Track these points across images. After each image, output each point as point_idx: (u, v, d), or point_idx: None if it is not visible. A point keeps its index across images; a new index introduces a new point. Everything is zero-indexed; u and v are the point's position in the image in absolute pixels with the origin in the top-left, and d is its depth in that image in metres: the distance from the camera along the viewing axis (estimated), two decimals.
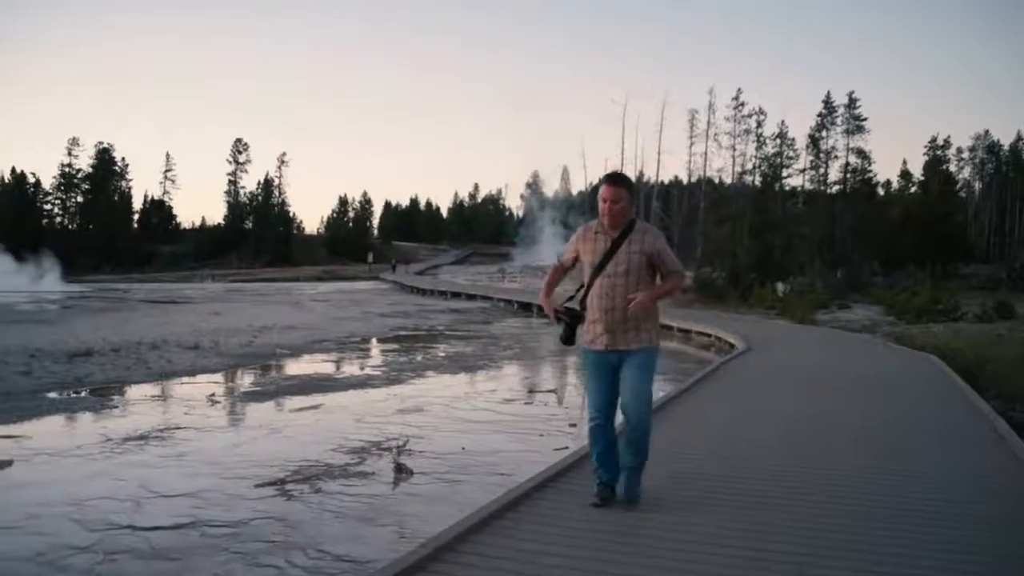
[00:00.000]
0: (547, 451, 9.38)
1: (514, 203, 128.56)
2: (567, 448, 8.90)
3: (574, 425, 11.16)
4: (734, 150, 54.18)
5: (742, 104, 53.94)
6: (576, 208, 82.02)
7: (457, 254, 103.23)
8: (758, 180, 55.32)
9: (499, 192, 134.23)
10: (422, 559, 4.44)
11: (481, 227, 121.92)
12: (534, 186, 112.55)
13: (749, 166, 55.10)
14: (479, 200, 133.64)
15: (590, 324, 5.47)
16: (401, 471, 8.66)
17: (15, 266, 60.09)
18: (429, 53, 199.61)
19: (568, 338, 5.58)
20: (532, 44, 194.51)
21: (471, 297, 47.17)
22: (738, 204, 50.97)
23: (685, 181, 59.19)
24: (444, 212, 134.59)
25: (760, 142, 55.01)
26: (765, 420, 9.40)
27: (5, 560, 6.02)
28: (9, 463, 8.90)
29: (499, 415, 12.25)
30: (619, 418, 5.57)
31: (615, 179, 5.50)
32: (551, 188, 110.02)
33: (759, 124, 54.50)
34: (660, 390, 14.06)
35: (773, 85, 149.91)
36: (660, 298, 5.44)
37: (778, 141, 55.35)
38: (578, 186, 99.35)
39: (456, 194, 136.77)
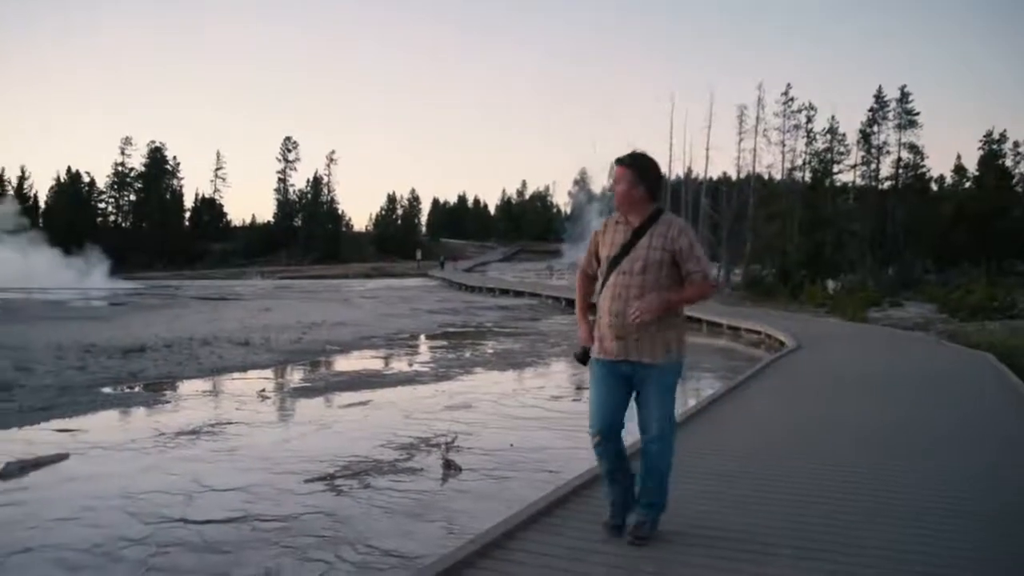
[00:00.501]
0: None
1: (562, 200, 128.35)
2: None
3: None
4: (783, 146, 53.65)
5: (791, 99, 53.39)
6: None
7: (505, 251, 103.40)
8: (808, 176, 54.72)
9: (547, 189, 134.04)
10: (471, 555, 4.45)
11: (529, 224, 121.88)
12: (582, 183, 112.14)
13: (799, 162, 54.56)
14: (527, 197, 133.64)
15: (600, 329, 4.70)
16: (450, 467, 8.68)
17: (65, 263, 61.12)
18: (477, 51, 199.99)
19: (584, 356, 4.83)
20: (579, 41, 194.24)
21: (519, 294, 47.18)
22: (788, 200, 50.45)
23: (734, 177, 58.67)
24: (492, 209, 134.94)
25: (810, 138, 54.43)
26: (814, 419, 9.29)
27: (63, 550, 6.13)
28: (66, 456, 9.04)
29: (547, 412, 12.23)
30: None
31: (620, 158, 4.74)
32: (599, 185, 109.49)
33: (809, 119, 53.94)
34: (709, 387, 14.01)
35: (823, 80, 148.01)
36: (675, 305, 4.62)
37: (828, 136, 54.67)
38: None
39: (504, 191, 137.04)
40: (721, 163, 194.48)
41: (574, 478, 6.15)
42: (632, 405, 4.73)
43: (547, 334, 26.24)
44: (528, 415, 11.93)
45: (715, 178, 63.37)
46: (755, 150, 53.72)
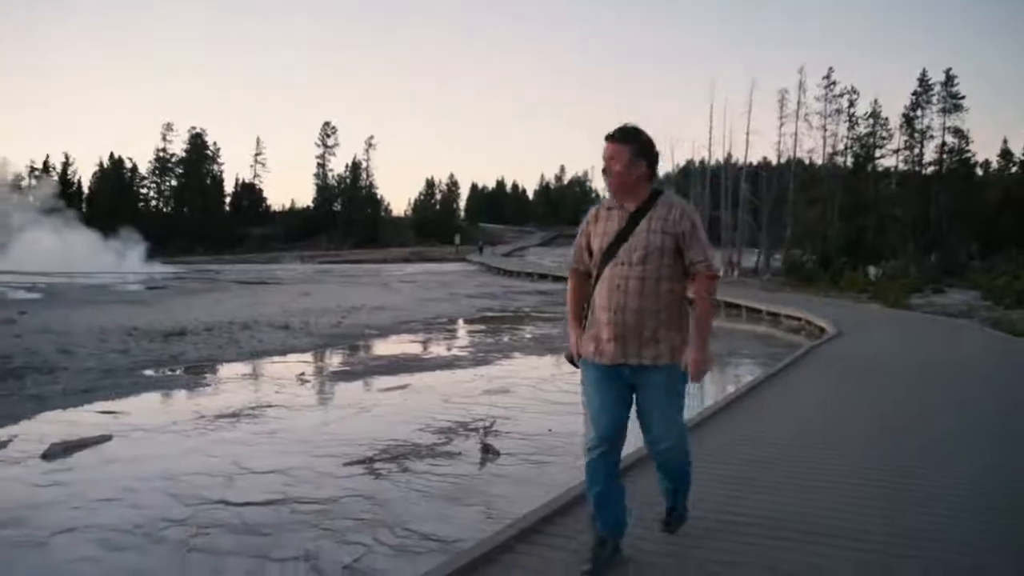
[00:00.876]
0: (634, 433, 9.29)
1: (600, 185, 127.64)
2: None
3: None
4: (825, 130, 52.95)
5: (833, 83, 52.67)
6: (661, 186, 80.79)
7: (543, 236, 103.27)
8: (850, 161, 54.04)
9: (585, 174, 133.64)
10: (509, 540, 4.44)
11: (567, 209, 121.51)
12: None
13: (840, 147, 53.86)
14: (565, 182, 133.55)
15: (596, 328, 4.10)
16: (488, 452, 8.67)
17: (106, 247, 62.09)
18: (513, 36, 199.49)
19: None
20: (617, 24, 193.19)
21: (557, 279, 47.01)
22: (829, 185, 49.94)
23: (774, 162, 58.07)
24: (530, 194, 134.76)
25: (852, 122, 53.63)
26: (853, 406, 9.21)
27: (106, 530, 6.19)
28: (108, 438, 9.14)
29: None
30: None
31: (614, 134, 4.04)
32: None
33: (851, 104, 53.12)
34: (749, 373, 13.90)
35: (866, 64, 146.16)
36: (709, 332, 4.06)
37: (871, 121, 53.89)
38: (665, 168, 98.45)
39: (542, 176, 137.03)
40: (761, 148, 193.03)
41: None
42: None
43: None
44: (566, 400, 11.88)
45: (755, 163, 62.80)
46: (796, 135, 53.17)
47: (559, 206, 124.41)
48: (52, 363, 14.03)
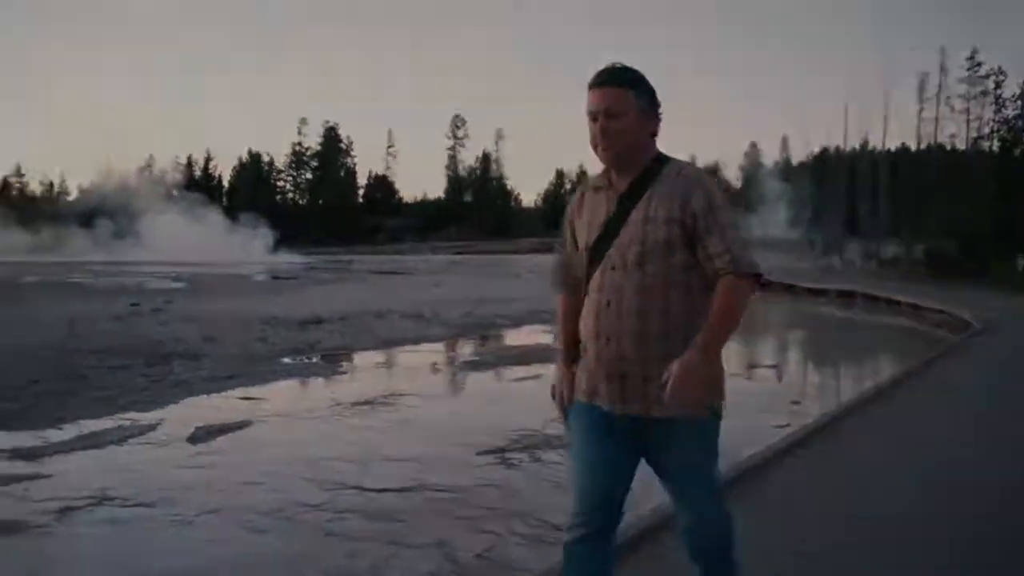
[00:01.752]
0: (766, 428, 9.06)
1: (732, 174, 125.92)
2: (787, 425, 8.64)
3: (796, 402, 10.78)
4: (968, 114, 50.82)
5: (978, 64, 50.50)
6: (795, 175, 78.80)
7: None
8: (996, 146, 51.70)
9: (716, 163, 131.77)
10: (642, 531, 4.39)
11: None
12: (751, 155, 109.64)
13: (986, 130, 51.57)
14: None
15: (586, 361, 2.83)
16: None
17: (244, 240, 64.58)
18: (643, 24, 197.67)
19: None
20: (746, 11, 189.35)
21: None
22: (974, 171, 47.89)
23: (914, 148, 56.05)
24: None
25: (999, 104, 51.30)
26: (995, 408, 8.82)
27: (248, 512, 6.35)
28: (249, 423, 9.42)
29: None
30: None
31: (610, 76, 2.72)
32: (770, 158, 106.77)
33: (997, 85, 50.75)
34: (887, 370, 13.43)
35: (1014, 41, 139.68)
36: (721, 345, 2.60)
37: (1020, 103, 51.46)
38: (798, 156, 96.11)
39: None
40: (900, 134, 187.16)
41: (746, 458, 6.00)
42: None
43: None
44: None
45: (894, 149, 60.77)
46: (937, 119, 51.14)
47: None
48: (196, 350, 14.55)
